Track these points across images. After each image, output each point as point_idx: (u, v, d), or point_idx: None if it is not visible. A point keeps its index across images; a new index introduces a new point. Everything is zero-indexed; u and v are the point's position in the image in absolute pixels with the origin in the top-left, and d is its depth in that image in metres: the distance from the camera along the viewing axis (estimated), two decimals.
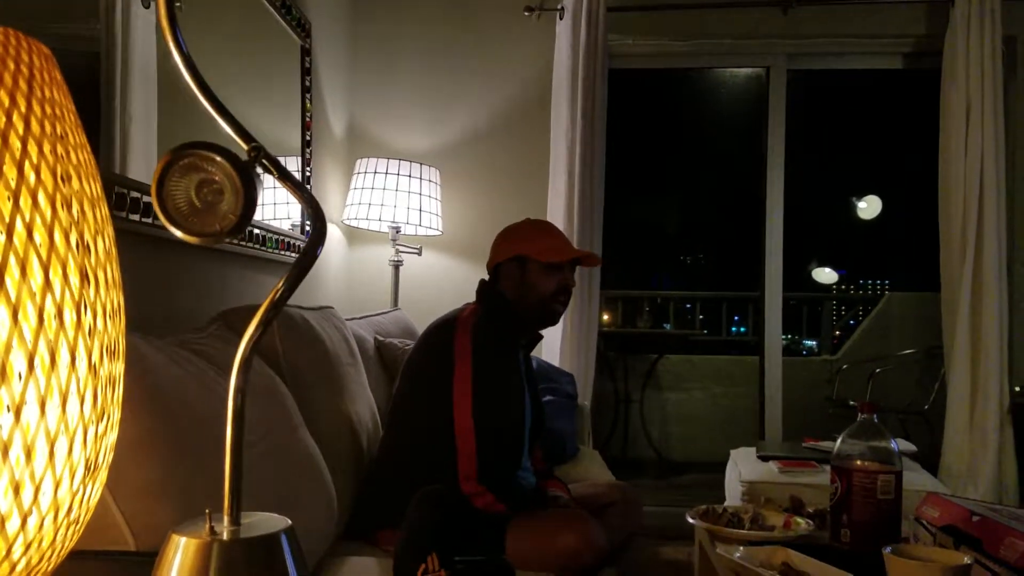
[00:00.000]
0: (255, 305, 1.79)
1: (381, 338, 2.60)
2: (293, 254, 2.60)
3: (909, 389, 4.75)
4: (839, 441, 1.55)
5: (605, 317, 6.05)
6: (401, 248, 3.25)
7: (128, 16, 1.68)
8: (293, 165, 2.80)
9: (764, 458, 2.75)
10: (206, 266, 2.05)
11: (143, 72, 1.75)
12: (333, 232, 3.30)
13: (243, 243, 2.19)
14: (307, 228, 2.82)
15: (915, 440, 3.19)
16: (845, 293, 8.55)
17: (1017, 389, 3.19)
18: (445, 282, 3.50)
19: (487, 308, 1.93)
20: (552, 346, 3.25)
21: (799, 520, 1.67)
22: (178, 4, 1.94)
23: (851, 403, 4.59)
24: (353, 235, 3.49)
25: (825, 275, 7.38)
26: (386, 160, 3.15)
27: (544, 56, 3.41)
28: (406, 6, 3.53)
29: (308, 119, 2.85)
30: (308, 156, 2.87)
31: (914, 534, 1.45)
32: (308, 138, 2.86)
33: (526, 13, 3.43)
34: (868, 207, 6.65)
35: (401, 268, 3.28)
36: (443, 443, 1.72)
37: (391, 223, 3.14)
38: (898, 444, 1.55)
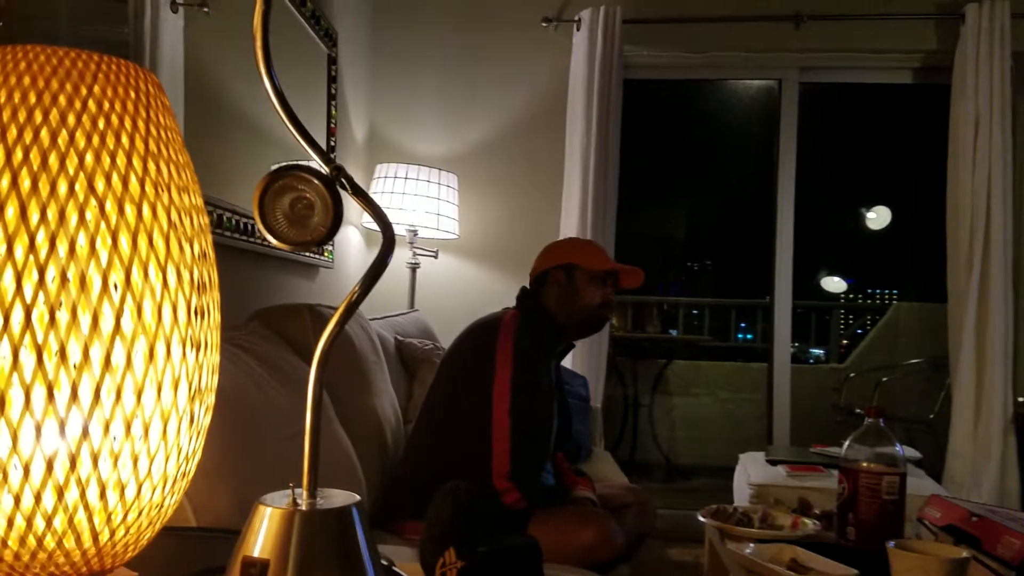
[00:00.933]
0: (288, 305, 1.88)
1: (401, 338, 2.68)
2: (318, 256, 2.69)
3: (915, 398, 4.80)
4: (846, 445, 1.62)
5: (615, 322, 6.11)
6: (418, 251, 3.33)
7: (157, 21, 1.71)
8: None
9: (773, 462, 2.81)
10: (239, 267, 2.14)
11: (171, 77, 1.79)
12: (353, 234, 3.39)
13: (270, 245, 2.27)
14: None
15: (919, 449, 3.24)
16: (853, 302, 8.59)
17: (1021, 400, 3.24)
18: (460, 284, 3.58)
19: (528, 315, 2.00)
20: None
21: (807, 520, 1.74)
22: (206, 10, 2.00)
23: (858, 411, 4.65)
24: (372, 238, 3.58)
25: (834, 284, 7.43)
26: (405, 165, 3.23)
27: (560, 66, 3.49)
28: (426, 16, 3.62)
29: (333, 125, 2.93)
30: None
31: (916, 534, 1.52)
32: (332, 144, 2.94)
33: (543, 24, 3.51)
34: (877, 218, 6.71)
35: (418, 270, 3.37)
36: (479, 440, 1.79)
37: (409, 226, 3.22)
38: (903, 449, 1.62)
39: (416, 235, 3.27)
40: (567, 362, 3.26)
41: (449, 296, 3.55)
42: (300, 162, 0.63)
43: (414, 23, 3.63)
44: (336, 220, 0.61)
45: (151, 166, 0.60)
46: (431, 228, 3.23)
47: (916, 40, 3.47)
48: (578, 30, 3.43)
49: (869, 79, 3.71)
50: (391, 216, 3.17)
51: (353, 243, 3.39)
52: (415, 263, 3.34)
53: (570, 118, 3.44)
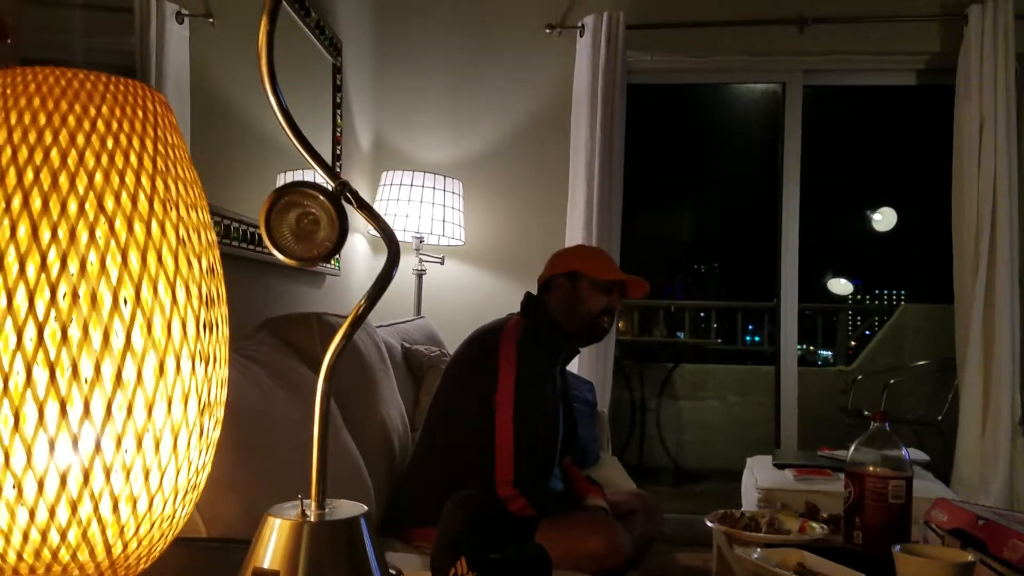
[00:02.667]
0: (296, 314, 1.89)
1: (408, 345, 2.69)
2: (328, 266, 2.70)
3: (923, 400, 4.79)
4: (852, 449, 1.63)
5: (621, 326, 6.12)
6: (424, 257, 3.34)
7: (163, 32, 1.73)
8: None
9: (780, 466, 2.81)
10: (246, 276, 2.15)
11: (176, 87, 1.80)
12: (359, 242, 3.40)
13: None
14: None
15: (928, 450, 3.24)
16: (860, 304, 8.57)
17: None
18: (467, 291, 3.59)
19: (532, 321, 2.00)
20: None
21: (814, 524, 1.74)
22: (211, 20, 2.02)
23: (866, 413, 4.63)
24: (378, 245, 3.59)
25: (840, 286, 7.42)
26: (411, 172, 3.24)
27: (564, 72, 3.50)
28: (430, 24, 3.64)
29: (338, 134, 2.95)
30: (338, 170, 2.97)
31: (923, 537, 1.52)
32: (338, 152, 2.96)
33: (547, 31, 3.52)
34: (883, 219, 6.70)
35: (424, 277, 3.38)
36: (482, 447, 1.79)
37: (415, 233, 3.23)
38: (910, 453, 1.63)
39: (422, 242, 3.28)
40: (573, 367, 3.26)
41: (456, 302, 3.56)
42: (304, 180, 0.63)
43: (417, 31, 3.64)
44: (342, 235, 0.62)
45: (159, 184, 0.61)
46: (437, 235, 3.24)
47: (919, 42, 3.47)
48: (581, 36, 3.44)
49: (873, 81, 3.71)
50: (397, 223, 3.19)
51: (359, 252, 3.41)
52: (421, 270, 3.35)
53: (574, 124, 3.45)
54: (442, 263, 3.45)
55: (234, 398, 1.23)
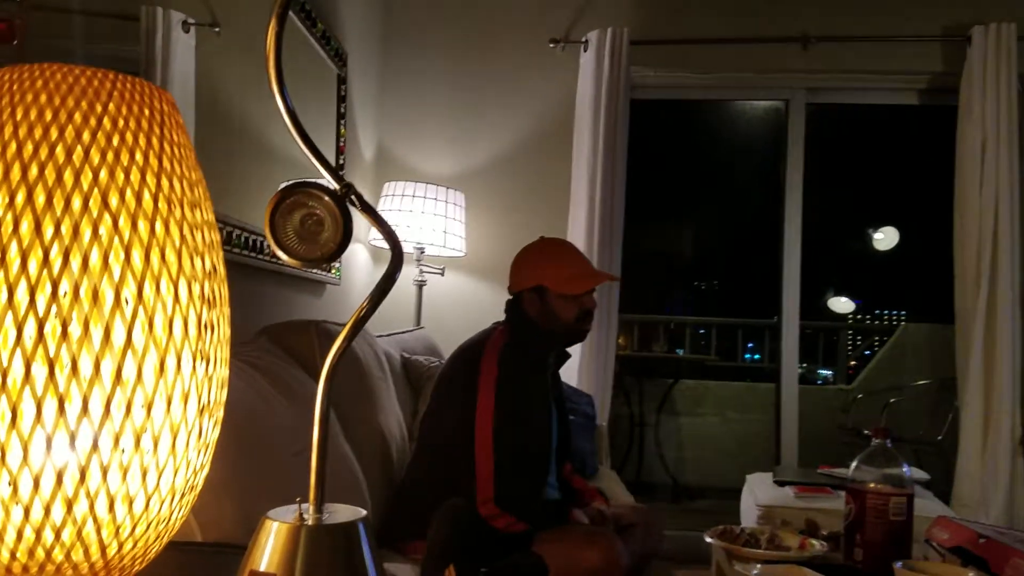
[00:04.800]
0: (296, 321, 1.89)
1: (407, 355, 2.68)
2: (325, 273, 2.70)
3: (923, 419, 4.77)
4: (853, 465, 1.62)
5: (621, 340, 6.10)
6: (425, 268, 3.34)
7: (168, 40, 1.73)
8: None
9: (780, 483, 2.79)
10: (247, 283, 2.15)
11: (182, 95, 1.81)
12: (360, 251, 3.40)
13: (279, 262, 2.28)
14: None
15: (928, 470, 3.22)
16: (861, 323, 8.56)
17: None
18: (467, 302, 3.59)
19: (514, 330, 1.99)
20: (571, 368, 3.31)
21: (814, 542, 1.73)
22: (216, 30, 2.03)
23: (865, 432, 4.61)
24: (379, 255, 3.59)
25: (841, 304, 7.40)
26: (413, 183, 3.25)
27: (567, 87, 3.51)
28: (434, 37, 3.65)
29: (342, 144, 2.96)
30: None
31: (924, 555, 1.51)
32: (341, 162, 2.96)
33: (551, 45, 3.54)
34: (885, 238, 6.70)
35: (424, 288, 3.37)
36: (464, 464, 1.77)
37: (416, 244, 3.24)
38: (911, 471, 1.62)
39: (423, 253, 3.28)
40: (572, 380, 3.25)
41: (455, 314, 3.55)
42: (309, 179, 0.63)
43: (422, 44, 3.66)
44: (346, 236, 0.62)
45: (164, 182, 0.61)
46: (438, 246, 3.24)
47: (923, 62, 3.48)
48: (585, 51, 3.45)
49: (876, 100, 3.72)
50: (398, 233, 3.18)
51: (360, 260, 3.41)
52: (422, 281, 3.35)
53: (577, 138, 3.45)
54: (442, 274, 3.45)
55: (233, 402, 1.22)
